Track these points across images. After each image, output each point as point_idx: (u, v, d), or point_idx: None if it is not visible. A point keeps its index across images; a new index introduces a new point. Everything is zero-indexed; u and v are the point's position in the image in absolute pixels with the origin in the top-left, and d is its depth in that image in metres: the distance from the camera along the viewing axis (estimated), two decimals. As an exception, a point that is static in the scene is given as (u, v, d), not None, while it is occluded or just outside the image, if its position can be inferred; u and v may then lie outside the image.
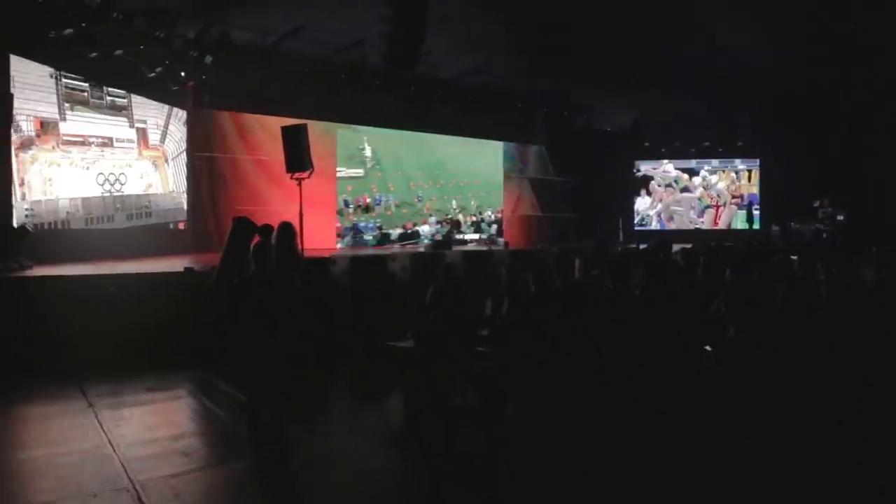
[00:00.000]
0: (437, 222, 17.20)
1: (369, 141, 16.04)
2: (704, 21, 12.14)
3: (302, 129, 8.79)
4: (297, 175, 8.79)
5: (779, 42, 12.69)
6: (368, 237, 15.79)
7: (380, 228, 16.08)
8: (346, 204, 15.60)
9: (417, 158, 17.06)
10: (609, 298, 5.10)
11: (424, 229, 16.83)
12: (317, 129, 14.52)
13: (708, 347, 4.27)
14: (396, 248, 15.72)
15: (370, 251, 13.64)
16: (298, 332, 6.68)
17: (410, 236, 16.38)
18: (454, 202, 17.66)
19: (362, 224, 15.81)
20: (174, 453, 4.61)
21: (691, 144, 20.01)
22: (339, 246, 15.16)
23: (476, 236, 17.78)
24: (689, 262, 6.64)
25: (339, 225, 15.40)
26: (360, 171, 15.88)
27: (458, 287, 5.98)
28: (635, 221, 20.59)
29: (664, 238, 11.69)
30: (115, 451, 4.64)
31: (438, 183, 17.38)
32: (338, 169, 15.52)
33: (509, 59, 14.97)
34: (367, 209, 15.88)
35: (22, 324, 6.62)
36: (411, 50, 10.10)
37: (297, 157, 8.68)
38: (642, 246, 11.72)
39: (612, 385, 4.45)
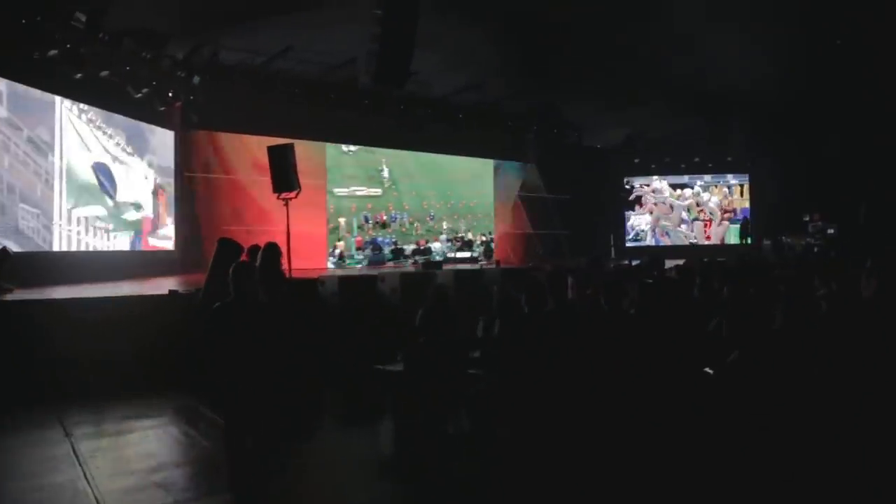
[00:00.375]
0: (448, 240, 17.76)
1: (387, 162, 16.87)
2: (693, 36, 12.12)
3: (288, 149, 8.60)
4: (284, 195, 8.60)
5: (766, 55, 12.68)
6: (386, 252, 16.65)
7: (395, 244, 16.78)
8: (367, 220, 16.46)
9: (430, 179, 17.78)
10: (603, 318, 4.94)
11: (436, 246, 17.48)
12: (307, 149, 14.50)
13: (708, 370, 4.07)
14: (410, 262, 16.52)
15: (358, 272, 13.56)
16: (284, 356, 6.50)
17: (423, 252, 17.09)
18: (444, 224, 17.86)
19: (380, 239, 16.58)
20: (152, 486, 4.38)
21: (682, 160, 20.00)
22: (329, 266, 15.12)
23: (468, 254, 17.75)
24: (685, 279, 6.49)
25: (359, 238, 16.15)
26: (378, 191, 16.77)
27: (449, 308, 5.81)
28: (629, 237, 20.49)
29: (657, 254, 11.50)
30: (89, 484, 4.40)
31: (449, 203, 18.04)
32: (358, 188, 16.30)
33: (500, 77, 14.99)
34: (383, 225, 16.77)
35: (-1, 349, 6.37)
36: (400, 68, 10.00)
37: (284, 176, 8.48)
38: (635, 262, 11.54)
39: (607, 408, 4.27)
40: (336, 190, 15.81)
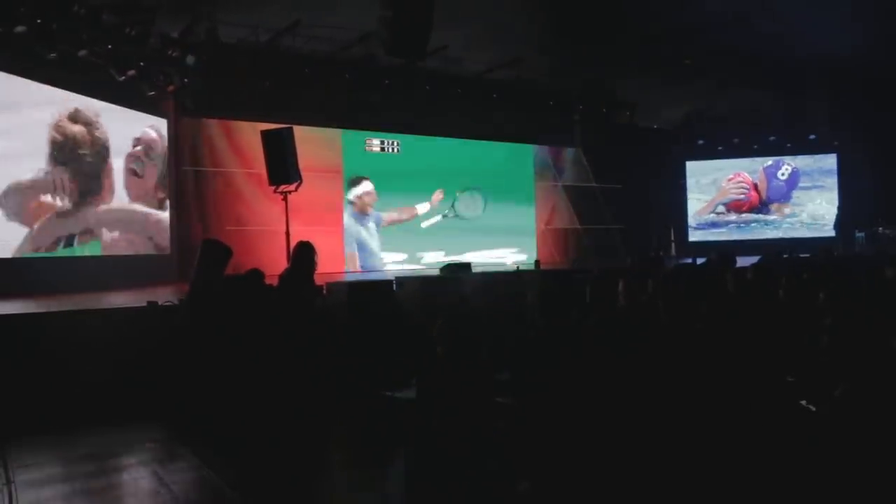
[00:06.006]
0: None
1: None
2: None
3: (286, 134, 8.10)
4: (282, 188, 8.10)
5: (857, 14, 11.81)
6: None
7: None
8: None
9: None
10: (663, 333, 4.26)
11: None
12: (319, 138, 14.08)
13: (808, 404, 3.34)
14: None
15: (372, 276, 13.05)
16: (279, 384, 6.04)
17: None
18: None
19: None
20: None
21: (754, 140, 19.07)
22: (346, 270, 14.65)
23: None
24: (765, 281, 5.78)
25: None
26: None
27: (472, 320, 5.24)
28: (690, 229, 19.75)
29: (727, 251, 10.70)
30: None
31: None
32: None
33: (540, 51, 14.50)
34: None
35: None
36: (418, 38, 9.37)
37: (282, 166, 7.98)
38: (700, 261, 10.80)
39: (670, 453, 3.60)
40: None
